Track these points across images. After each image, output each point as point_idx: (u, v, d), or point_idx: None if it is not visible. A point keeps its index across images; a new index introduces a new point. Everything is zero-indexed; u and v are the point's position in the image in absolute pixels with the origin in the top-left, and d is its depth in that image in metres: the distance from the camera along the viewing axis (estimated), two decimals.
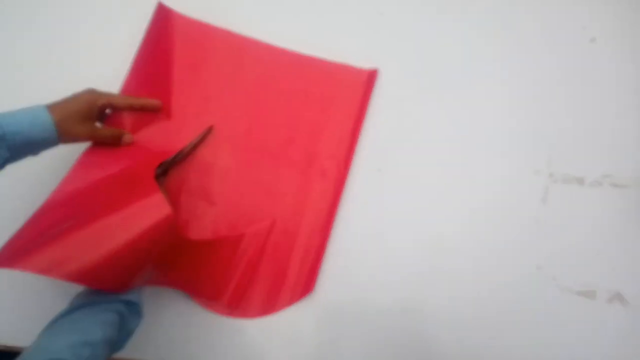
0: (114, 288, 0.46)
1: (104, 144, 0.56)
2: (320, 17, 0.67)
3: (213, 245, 0.59)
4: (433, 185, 0.61)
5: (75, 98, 0.52)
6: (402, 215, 0.60)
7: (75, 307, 0.45)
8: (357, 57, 0.65)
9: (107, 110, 0.56)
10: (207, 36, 0.65)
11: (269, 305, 0.58)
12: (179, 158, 0.61)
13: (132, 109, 0.58)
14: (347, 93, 0.64)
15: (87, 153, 0.55)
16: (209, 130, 0.63)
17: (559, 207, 0.59)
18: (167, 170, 0.60)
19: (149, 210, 0.49)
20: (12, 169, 0.49)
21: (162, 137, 0.60)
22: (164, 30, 0.64)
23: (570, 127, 0.61)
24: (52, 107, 0.50)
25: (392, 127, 0.63)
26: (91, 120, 0.53)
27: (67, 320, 0.44)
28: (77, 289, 0.48)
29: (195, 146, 0.62)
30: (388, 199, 0.61)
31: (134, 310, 0.49)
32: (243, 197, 0.62)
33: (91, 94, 0.53)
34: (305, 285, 0.58)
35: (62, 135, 0.50)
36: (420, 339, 0.57)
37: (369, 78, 0.65)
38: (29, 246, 0.44)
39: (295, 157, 0.63)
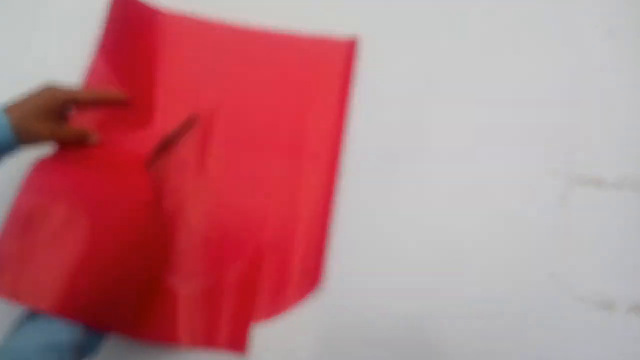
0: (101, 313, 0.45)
1: (67, 144, 0.52)
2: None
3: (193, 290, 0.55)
4: (442, 187, 0.59)
5: (33, 95, 0.49)
6: (409, 219, 0.58)
7: None
8: (362, 58, 0.64)
9: (70, 112, 0.54)
10: (171, 24, 0.64)
11: (279, 304, 0.55)
12: (160, 150, 0.58)
13: (97, 103, 0.54)
14: (326, 67, 0.62)
15: (47, 159, 0.51)
16: (193, 120, 0.60)
17: (576, 210, 0.57)
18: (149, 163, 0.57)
19: (129, 195, 0.48)
20: None
21: (132, 137, 0.57)
22: (123, 18, 0.60)
23: (588, 126, 0.59)
24: (8, 108, 0.47)
25: (400, 126, 0.61)
26: (53, 118, 0.50)
27: (35, 320, 0.43)
28: None
29: (178, 135, 0.59)
30: (395, 200, 0.58)
31: None
32: (232, 194, 0.59)
33: (51, 89, 0.50)
34: (314, 275, 0.56)
35: (21, 136, 0.47)
36: (425, 346, 0.54)
37: (348, 48, 0.62)
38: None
39: (281, 143, 0.60)
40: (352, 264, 0.57)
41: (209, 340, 0.54)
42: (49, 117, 0.49)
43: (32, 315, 0.43)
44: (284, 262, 0.57)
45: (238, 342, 0.54)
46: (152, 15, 0.63)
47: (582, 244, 0.56)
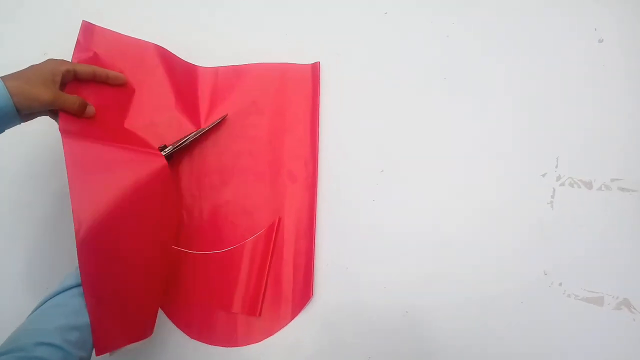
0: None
1: (68, 111, 0.51)
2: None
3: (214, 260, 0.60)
4: (437, 188, 0.60)
5: (35, 65, 0.50)
6: (406, 218, 0.59)
7: (64, 288, 0.46)
8: (360, 57, 0.64)
9: (69, 82, 0.53)
10: (144, 52, 0.62)
11: (273, 324, 0.57)
12: (184, 144, 0.60)
13: (95, 78, 0.54)
14: (297, 91, 0.64)
15: (70, 152, 0.49)
16: (223, 118, 0.62)
17: (566, 211, 0.57)
18: (172, 155, 0.60)
19: (145, 163, 0.50)
20: None
21: None
22: (93, 49, 0.59)
23: (578, 129, 0.60)
24: (6, 76, 0.47)
25: (395, 129, 0.62)
26: (54, 85, 0.49)
27: (56, 303, 0.44)
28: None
29: (204, 133, 0.61)
30: (391, 200, 0.60)
31: None
32: (217, 220, 0.61)
33: (53, 61, 0.51)
34: (303, 293, 0.57)
35: (20, 101, 0.46)
36: (422, 344, 0.56)
37: (314, 71, 0.64)
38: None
39: (259, 169, 0.62)
40: (350, 262, 0.59)
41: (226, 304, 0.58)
42: (52, 83, 0.49)
43: (53, 296, 0.45)
44: (274, 284, 0.58)
45: (252, 306, 0.57)
46: (123, 43, 0.61)
47: (572, 242, 0.57)
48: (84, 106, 0.52)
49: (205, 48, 0.67)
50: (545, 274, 0.56)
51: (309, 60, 0.65)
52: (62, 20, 0.69)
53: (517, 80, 0.62)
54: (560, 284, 0.56)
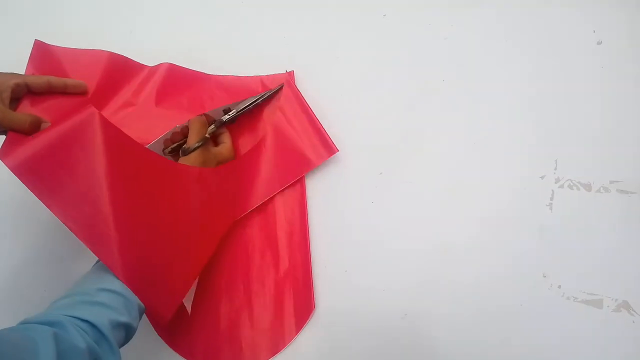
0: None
1: (19, 130, 0.45)
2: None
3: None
4: (436, 191, 0.60)
5: None
6: (404, 221, 0.59)
7: None
8: (358, 59, 0.64)
9: (21, 97, 0.49)
10: (106, 61, 0.57)
11: (278, 341, 0.57)
12: (246, 109, 0.60)
13: (52, 89, 0.49)
14: (279, 99, 0.62)
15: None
16: (281, 86, 0.62)
17: (565, 213, 0.57)
18: (235, 118, 0.60)
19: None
20: None
21: None
22: (48, 64, 0.54)
23: (577, 131, 0.60)
24: None
25: (394, 131, 0.62)
26: (2, 102, 0.45)
27: (97, 274, 0.46)
28: None
29: (266, 98, 0.62)
30: (390, 203, 0.60)
31: None
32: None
33: (0, 75, 0.46)
34: (306, 305, 0.57)
35: None
36: (420, 348, 0.56)
37: (290, 79, 0.63)
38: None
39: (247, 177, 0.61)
40: (349, 266, 0.58)
41: None
42: None
43: (96, 269, 0.46)
44: (274, 299, 0.58)
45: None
46: (81, 54, 0.57)
47: (571, 245, 0.57)
48: (36, 124, 0.46)
49: (199, 54, 0.66)
50: (545, 277, 0.56)
51: (308, 61, 0.65)
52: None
53: (516, 82, 0.62)
54: (560, 287, 0.56)
